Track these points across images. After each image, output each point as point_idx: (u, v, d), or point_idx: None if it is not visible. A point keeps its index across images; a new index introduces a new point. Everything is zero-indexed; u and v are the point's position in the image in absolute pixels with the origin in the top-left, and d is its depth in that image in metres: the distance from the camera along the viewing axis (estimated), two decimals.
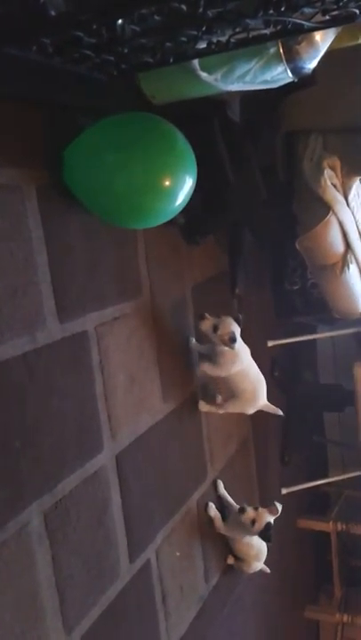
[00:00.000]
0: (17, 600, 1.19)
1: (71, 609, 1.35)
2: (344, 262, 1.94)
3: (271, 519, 1.97)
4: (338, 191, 1.84)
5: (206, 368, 1.91)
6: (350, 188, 1.87)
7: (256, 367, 1.98)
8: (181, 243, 1.95)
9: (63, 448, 1.34)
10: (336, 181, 1.84)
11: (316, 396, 3.29)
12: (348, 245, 1.93)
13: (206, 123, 1.85)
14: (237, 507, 2.01)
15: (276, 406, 2.10)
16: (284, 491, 2.88)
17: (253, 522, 1.94)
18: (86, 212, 1.45)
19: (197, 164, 1.45)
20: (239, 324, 1.82)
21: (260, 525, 1.94)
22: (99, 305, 1.50)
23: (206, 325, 1.79)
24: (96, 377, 1.49)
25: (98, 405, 1.49)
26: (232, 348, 1.79)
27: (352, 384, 2.90)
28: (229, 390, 1.99)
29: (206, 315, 1.81)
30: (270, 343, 2.80)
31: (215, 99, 1.70)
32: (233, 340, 1.78)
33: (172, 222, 1.79)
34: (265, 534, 1.96)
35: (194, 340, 1.98)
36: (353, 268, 1.96)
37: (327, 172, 1.81)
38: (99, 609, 1.45)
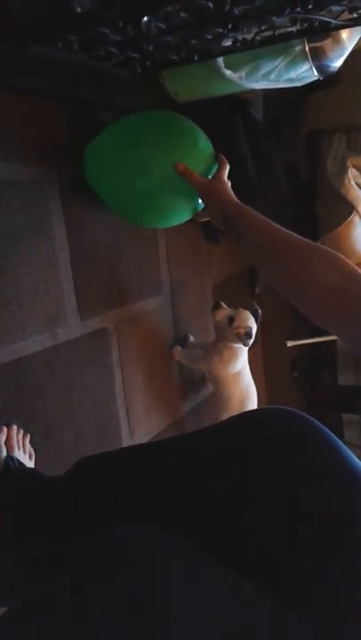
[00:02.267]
0: None
1: None
2: None
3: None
4: None
5: (199, 361, 1.74)
6: None
7: (250, 377, 1.80)
8: (202, 241, 1.94)
9: (82, 444, 1.35)
10: (359, 180, 1.82)
11: (335, 398, 3.26)
12: None
13: (229, 121, 1.85)
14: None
15: (296, 407, 2.07)
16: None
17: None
18: (109, 209, 1.46)
19: None
20: (257, 320, 1.68)
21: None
22: (119, 303, 1.50)
23: (221, 315, 1.65)
24: (115, 374, 1.49)
25: (117, 402, 1.50)
26: (246, 344, 1.64)
27: None
28: (215, 389, 1.80)
29: (222, 304, 1.66)
30: (290, 344, 2.78)
31: (238, 97, 1.69)
32: (249, 335, 1.62)
33: (192, 220, 1.80)
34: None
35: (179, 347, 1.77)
36: None
37: (351, 172, 1.79)
38: None
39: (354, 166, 1.81)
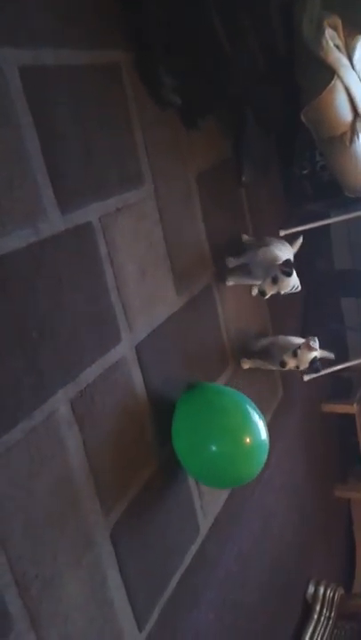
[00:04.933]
0: (52, 484, 1.24)
1: (107, 489, 1.40)
2: (353, 131, 1.84)
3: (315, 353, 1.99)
4: (341, 53, 1.72)
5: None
6: (355, 49, 1.75)
7: None
8: (181, 128, 1.86)
9: (81, 339, 1.35)
10: (339, 42, 1.72)
11: (332, 284, 3.26)
12: (356, 112, 1.83)
13: None
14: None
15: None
16: (306, 378, 2.91)
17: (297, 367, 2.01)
18: (75, 97, 1.38)
19: (191, 39, 1.40)
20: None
21: (305, 364, 1.99)
22: (100, 195, 1.46)
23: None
24: (106, 269, 1.47)
25: (111, 298, 1.48)
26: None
27: None
28: None
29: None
30: (282, 232, 2.72)
31: None
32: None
33: (168, 104, 1.72)
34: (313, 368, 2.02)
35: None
36: None
37: (328, 33, 1.69)
38: (135, 489, 1.51)
39: (331, 27, 1.70)
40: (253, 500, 2.23)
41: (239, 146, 2.23)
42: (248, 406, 1.69)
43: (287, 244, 2.13)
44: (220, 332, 2.07)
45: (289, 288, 1.88)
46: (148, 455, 1.59)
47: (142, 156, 1.64)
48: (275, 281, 1.85)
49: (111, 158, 1.51)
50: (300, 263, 2.23)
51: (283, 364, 1.98)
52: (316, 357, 1.97)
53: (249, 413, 1.66)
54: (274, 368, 2.20)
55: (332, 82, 1.73)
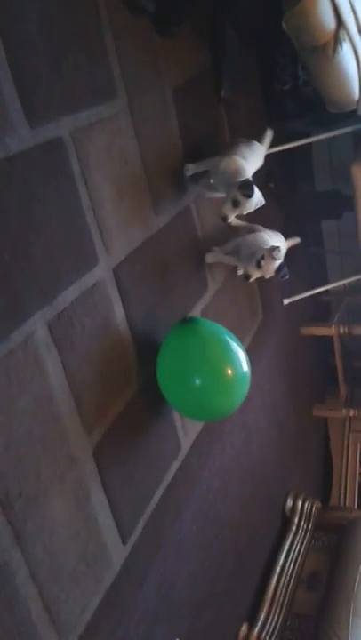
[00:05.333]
0: (33, 405, 1.24)
1: (88, 410, 1.41)
2: (336, 40, 1.75)
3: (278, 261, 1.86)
4: None
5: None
6: None
7: None
8: (155, 36, 1.75)
9: (56, 260, 1.32)
10: None
11: (313, 206, 3.22)
12: (339, 20, 1.73)
13: None
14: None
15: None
16: (285, 301, 2.93)
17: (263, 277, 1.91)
18: (41, 1, 1.28)
19: None
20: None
21: (270, 273, 1.87)
22: (71, 108, 1.38)
23: None
24: (79, 188, 1.42)
25: (86, 218, 1.44)
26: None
27: (350, 188, 2.80)
28: None
29: None
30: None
31: None
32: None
33: (140, 10, 1.61)
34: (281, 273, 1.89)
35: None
36: (346, 47, 1.78)
37: None
38: (116, 409, 1.53)
39: None
40: (234, 419, 2.28)
41: (217, 58, 2.12)
42: (228, 337, 1.69)
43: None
44: (200, 255, 2.04)
45: (252, 208, 1.75)
46: (129, 376, 1.60)
47: (115, 67, 1.55)
48: (235, 204, 1.72)
49: (82, 69, 1.42)
50: (280, 184, 2.19)
51: (247, 276, 1.88)
52: (282, 264, 1.86)
53: (229, 344, 1.66)
54: (238, 265, 2.11)
55: None
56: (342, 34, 1.76)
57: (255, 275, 1.87)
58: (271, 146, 2.67)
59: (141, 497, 1.66)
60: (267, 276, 1.88)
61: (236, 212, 1.74)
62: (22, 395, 1.21)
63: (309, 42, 1.79)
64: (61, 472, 1.32)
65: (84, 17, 1.45)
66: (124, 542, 1.56)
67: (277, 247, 1.83)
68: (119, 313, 1.56)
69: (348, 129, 2.71)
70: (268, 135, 2.02)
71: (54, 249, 1.31)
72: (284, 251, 2.02)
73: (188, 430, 1.91)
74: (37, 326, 1.26)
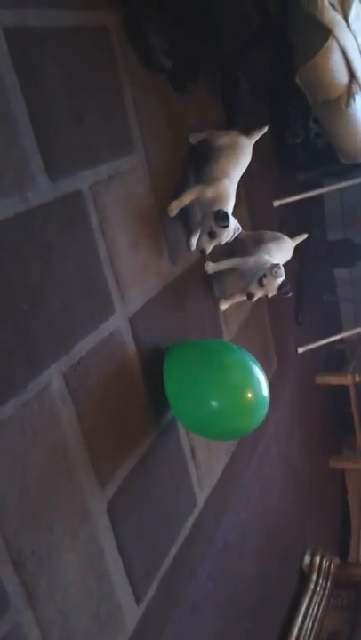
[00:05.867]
0: (47, 458, 1.22)
1: (103, 463, 1.38)
2: (349, 94, 1.79)
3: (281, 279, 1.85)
4: (337, 12, 1.66)
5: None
6: (350, 8, 1.69)
7: None
8: (172, 93, 1.80)
9: (73, 310, 1.31)
10: (334, 0, 1.65)
11: (326, 254, 3.23)
12: (352, 74, 1.77)
13: None
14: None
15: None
16: (300, 350, 2.91)
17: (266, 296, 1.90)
18: (63, 59, 1.33)
19: None
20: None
21: (273, 291, 1.86)
22: (90, 162, 1.41)
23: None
24: (97, 239, 1.43)
25: (103, 268, 1.44)
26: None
27: None
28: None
29: None
30: (276, 203, 2.70)
31: None
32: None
33: (158, 68, 1.66)
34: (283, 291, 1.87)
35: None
36: (359, 99, 1.82)
37: None
38: (131, 462, 1.49)
39: None
40: (250, 471, 2.23)
41: (230, 111, 2.17)
42: (249, 360, 1.66)
43: None
44: (214, 304, 2.04)
45: (229, 237, 1.73)
46: (144, 428, 1.57)
47: (133, 122, 1.59)
48: (211, 235, 1.68)
49: (101, 124, 1.45)
50: (292, 235, 2.20)
51: (250, 295, 1.86)
52: (284, 282, 1.84)
53: (251, 368, 1.63)
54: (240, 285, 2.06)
55: (328, 42, 1.68)
56: (355, 87, 1.80)
57: (258, 294, 1.86)
58: (284, 197, 2.72)
59: (156, 554, 1.60)
60: (270, 295, 1.87)
61: (214, 244, 1.71)
62: (36, 447, 1.19)
63: (322, 96, 1.83)
64: (75, 528, 1.28)
65: (104, 74, 1.49)
66: (137, 602, 1.50)
67: (277, 264, 1.83)
68: (135, 363, 1.55)
69: (360, 179, 2.75)
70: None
71: (72, 299, 1.31)
72: (292, 249, 2.09)
73: (203, 483, 1.86)
74: (53, 377, 1.24)
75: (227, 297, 2.07)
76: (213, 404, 1.55)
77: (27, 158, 1.20)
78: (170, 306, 1.74)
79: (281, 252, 2.04)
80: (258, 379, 1.62)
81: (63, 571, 1.24)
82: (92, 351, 1.37)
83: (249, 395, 1.59)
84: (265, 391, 1.62)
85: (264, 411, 1.63)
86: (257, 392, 1.60)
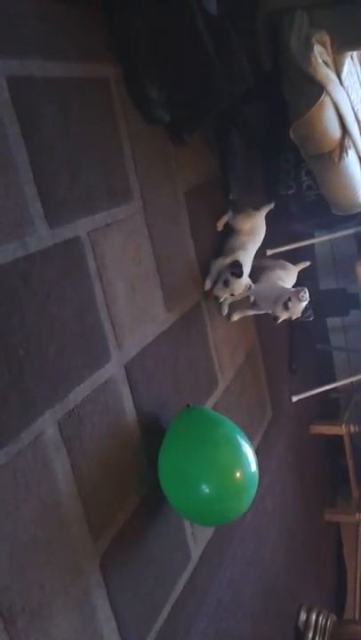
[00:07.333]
0: (38, 510, 1.17)
1: (96, 515, 1.33)
2: (342, 148, 1.83)
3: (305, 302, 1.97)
4: (330, 69, 1.72)
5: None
6: (343, 65, 1.75)
7: None
8: (169, 145, 1.84)
9: (69, 357, 1.30)
10: (327, 58, 1.72)
11: (318, 303, 3.24)
12: (344, 129, 1.82)
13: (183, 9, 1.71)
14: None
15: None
16: (294, 398, 2.88)
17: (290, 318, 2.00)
18: (64, 109, 1.36)
19: (178, 52, 1.40)
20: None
21: (297, 314, 1.97)
22: (88, 209, 1.42)
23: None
24: (95, 285, 1.42)
25: (100, 315, 1.44)
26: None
27: (355, 286, 2.85)
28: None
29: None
30: (269, 252, 2.72)
31: None
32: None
33: (155, 119, 1.70)
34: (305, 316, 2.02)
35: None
36: (351, 153, 1.86)
37: (317, 48, 1.69)
38: (125, 514, 1.44)
39: (319, 43, 1.70)
40: (245, 524, 2.16)
41: (224, 163, 2.22)
42: (239, 437, 1.60)
43: None
44: (209, 351, 2.02)
45: (242, 288, 1.91)
46: (138, 480, 1.53)
47: (131, 171, 1.61)
48: (226, 284, 1.89)
49: (100, 172, 1.47)
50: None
51: (275, 318, 1.97)
52: (307, 306, 1.97)
53: (240, 445, 1.58)
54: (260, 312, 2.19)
55: (321, 98, 1.73)
56: (348, 142, 1.84)
57: (283, 316, 1.96)
58: (275, 246, 2.75)
59: (149, 612, 1.53)
60: (293, 317, 1.98)
61: (228, 293, 1.92)
62: (28, 499, 1.15)
63: (315, 149, 1.88)
64: (66, 584, 1.23)
65: (104, 124, 1.52)
66: None
67: (303, 289, 1.93)
68: (130, 411, 1.52)
69: (351, 230, 2.79)
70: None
71: (68, 345, 1.30)
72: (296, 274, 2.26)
73: (198, 538, 1.80)
74: (47, 425, 1.21)
75: (237, 311, 2.16)
76: (205, 489, 1.49)
77: (26, 204, 1.21)
78: (165, 353, 1.73)
79: (289, 277, 2.20)
80: (246, 455, 1.57)
81: (54, 629, 1.18)
82: (88, 399, 1.35)
83: (238, 474, 1.54)
84: (253, 467, 1.56)
85: (254, 488, 1.57)
86: (246, 471, 1.55)
